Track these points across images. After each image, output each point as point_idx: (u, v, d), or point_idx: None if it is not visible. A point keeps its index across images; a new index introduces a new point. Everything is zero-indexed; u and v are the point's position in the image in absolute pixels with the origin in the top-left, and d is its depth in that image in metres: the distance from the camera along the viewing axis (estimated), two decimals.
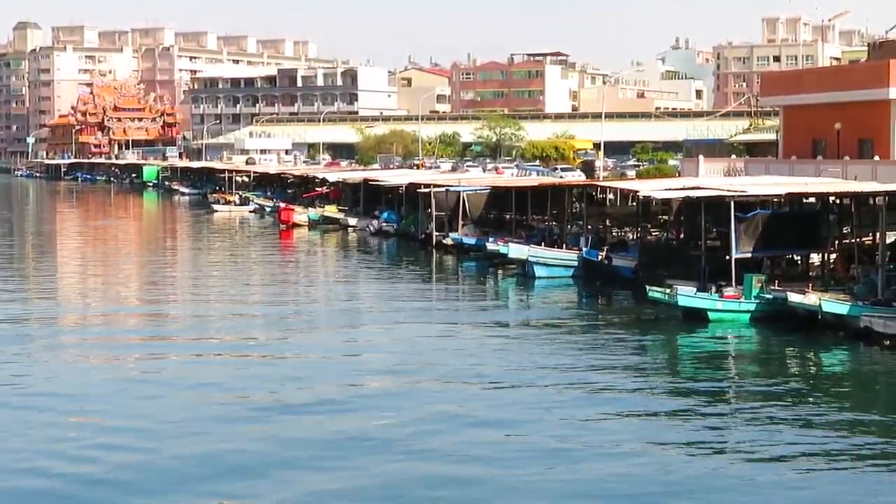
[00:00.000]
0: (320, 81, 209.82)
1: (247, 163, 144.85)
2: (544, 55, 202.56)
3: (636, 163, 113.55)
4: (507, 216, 59.73)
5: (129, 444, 21.66)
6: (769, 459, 20.64)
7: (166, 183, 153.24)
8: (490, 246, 52.68)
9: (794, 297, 34.07)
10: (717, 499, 18.60)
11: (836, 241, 41.18)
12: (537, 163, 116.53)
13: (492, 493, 18.84)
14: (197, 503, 18.65)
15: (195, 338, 34.20)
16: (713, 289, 36.40)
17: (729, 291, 35.83)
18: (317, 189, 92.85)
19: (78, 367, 29.40)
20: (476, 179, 71.17)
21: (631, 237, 52.03)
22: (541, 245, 50.45)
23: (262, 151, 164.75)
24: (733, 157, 75.28)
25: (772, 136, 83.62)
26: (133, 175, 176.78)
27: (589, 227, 51.85)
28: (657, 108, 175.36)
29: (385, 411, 24.12)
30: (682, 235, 46.19)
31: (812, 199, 43.02)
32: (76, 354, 31.24)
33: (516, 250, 49.53)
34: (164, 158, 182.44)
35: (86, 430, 22.83)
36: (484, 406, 24.65)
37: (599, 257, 46.61)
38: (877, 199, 37.99)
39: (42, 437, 22.26)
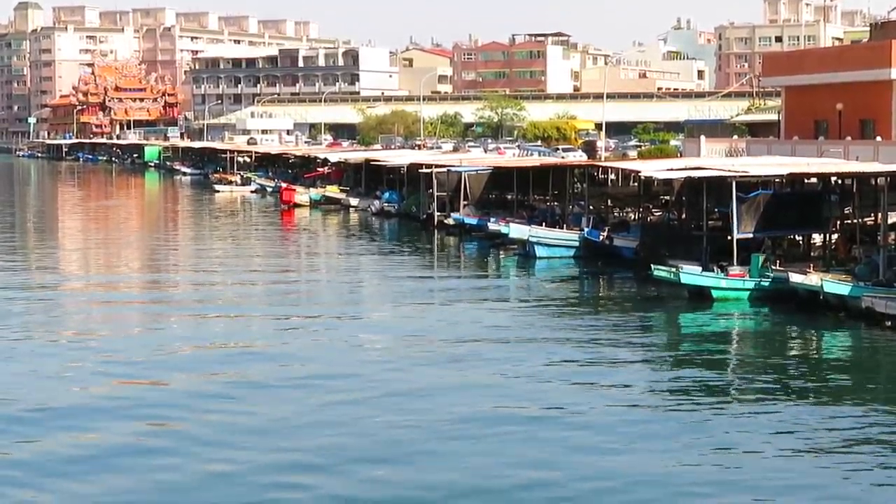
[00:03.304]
0: (322, 62, 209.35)
1: (248, 143, 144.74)
2: (546, 35, 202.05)
3: (638, 143, 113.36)
4: (509, 196, 59.71)
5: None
6: (770, 440, 20.68)
7: (168, 163, 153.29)
8: (491, 226, 52.71)
9: (795, 278, 34.08)
10: (718, 479, 18.64)
11: (838, 222, 41.19)
12: (539, 143, 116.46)
13: (494, 472, 18.89)
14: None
15: (195, 326, 34.27)
16: (715, 269, 36.46)
17: (734, 270, 35.89)
18: (318, 169, 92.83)
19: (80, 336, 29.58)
20: (477, 160, 71.06)
21: (632, 217, 52.04)
22: (542, 225, 50.47)
23: (264, 132, 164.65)
24: (735, 137, 75.26)
25: (773, 117, 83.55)
26: (134, 155, 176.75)
27: (590, 207, 51.86)
28: (659, 89, 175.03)
29: (385, 391, 24.20)
30: (683, 216, 46.18)
31: (814, 180, 43.00)
32: (76, 335, 31.40)
33: (517, 230, 49.56)
34: (166, 139, 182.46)
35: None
36: (483, 385, 24.69)
37: (601, 237, 46.62)
38: (878, 179, 37.99)
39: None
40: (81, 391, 24.51)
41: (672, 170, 43.56)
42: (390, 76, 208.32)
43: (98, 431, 21.25)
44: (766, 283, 35.34)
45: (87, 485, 18.43)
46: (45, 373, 26.21)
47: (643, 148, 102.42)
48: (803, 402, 23.51)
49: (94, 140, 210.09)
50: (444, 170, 61.53)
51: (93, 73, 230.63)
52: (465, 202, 58.91)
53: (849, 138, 54.91)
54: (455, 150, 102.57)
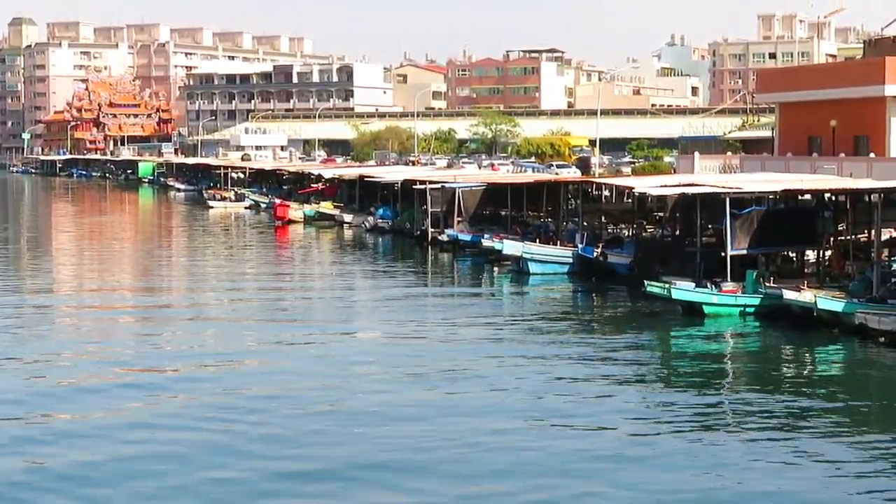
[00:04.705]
0: (316, 77, 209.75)
1: (242, 159, 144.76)
2: (540, 51, 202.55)
3: (632, 159, 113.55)
4: (503, 213, 59.70)
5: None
6: (763, 456, 20.62)
7: (162, 179, 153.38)
8: (485, 242, 52.64)
9: (789, 294, 34.06)
10: (710, 496, 18.59)
11: (832, 238, 41.20)
12: (533, 159, 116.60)
13: (486, 491, 18.83)
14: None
15: (186, 340, 34.21)
16: (709, 284, 36.44)
17: (727, 286, 35.87)
18: (312, 185, 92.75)
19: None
20: (471, 176, 71.12)
21: (626, 234, 52.01)
22: (536, 242, 50.45)
23: (258, 147, 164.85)
24: (729, 153, 75.33)
25: (767, 133, 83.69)
26: (128, 171, 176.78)
27: (584, 223, 51.86)
28: (653, 105, 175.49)
29: (377, 406, 24.12)
30: (677, 232, 46.15)
31: (807, 196, 43.05)
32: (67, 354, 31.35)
33: (511, 247, 49.51)
34: (160, 154, 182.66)
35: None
36: (477, 401, 24.61)
37: (595, 254, 46.58)
38: (872, 195, 38.00)
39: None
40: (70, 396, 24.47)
41: (666, 186, 43.59)
42: (384, 92, 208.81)
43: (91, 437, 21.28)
44: (759, 299, 35.33)
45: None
46: (36, 382, 26.19)
47: (637, 164, 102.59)
48: (795, 417, 23.44)
49: (87, 156, 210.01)
50: (438, 186, 61.54)
51: (87, 89, 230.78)
52: (459, 218, 58.89)
53: (842, 155, 55.03)
54: (449, 166, 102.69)
